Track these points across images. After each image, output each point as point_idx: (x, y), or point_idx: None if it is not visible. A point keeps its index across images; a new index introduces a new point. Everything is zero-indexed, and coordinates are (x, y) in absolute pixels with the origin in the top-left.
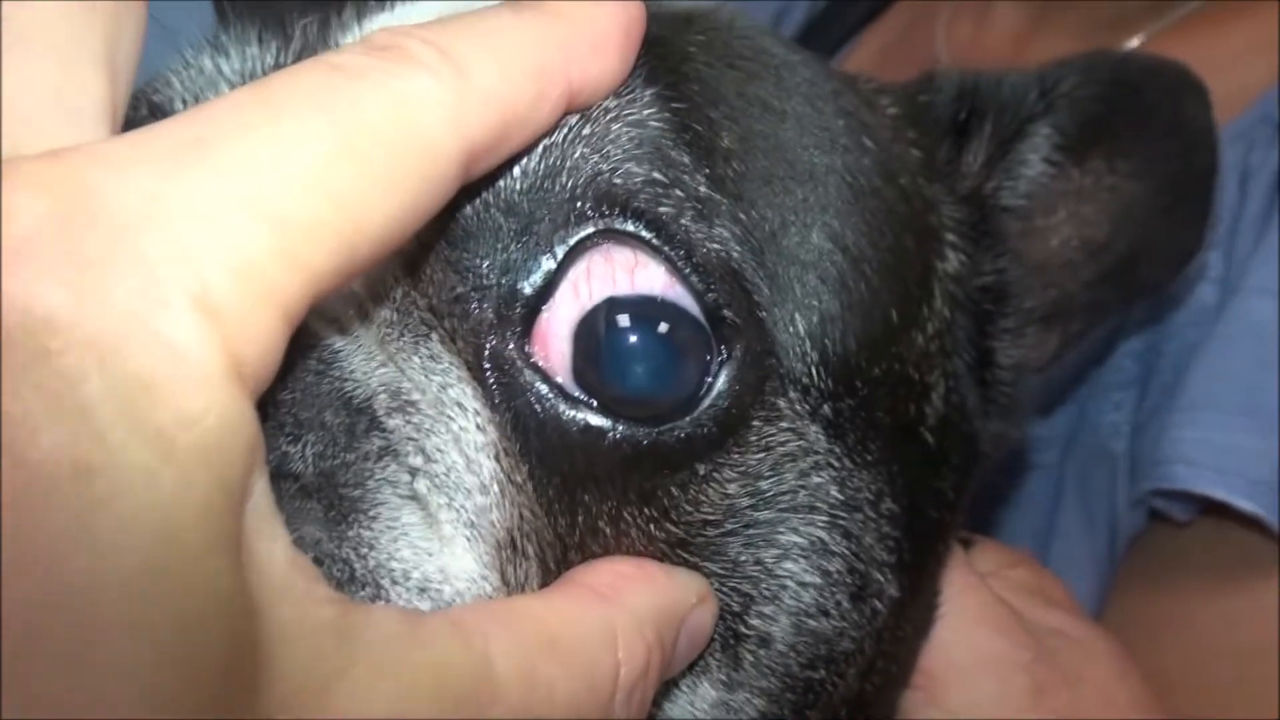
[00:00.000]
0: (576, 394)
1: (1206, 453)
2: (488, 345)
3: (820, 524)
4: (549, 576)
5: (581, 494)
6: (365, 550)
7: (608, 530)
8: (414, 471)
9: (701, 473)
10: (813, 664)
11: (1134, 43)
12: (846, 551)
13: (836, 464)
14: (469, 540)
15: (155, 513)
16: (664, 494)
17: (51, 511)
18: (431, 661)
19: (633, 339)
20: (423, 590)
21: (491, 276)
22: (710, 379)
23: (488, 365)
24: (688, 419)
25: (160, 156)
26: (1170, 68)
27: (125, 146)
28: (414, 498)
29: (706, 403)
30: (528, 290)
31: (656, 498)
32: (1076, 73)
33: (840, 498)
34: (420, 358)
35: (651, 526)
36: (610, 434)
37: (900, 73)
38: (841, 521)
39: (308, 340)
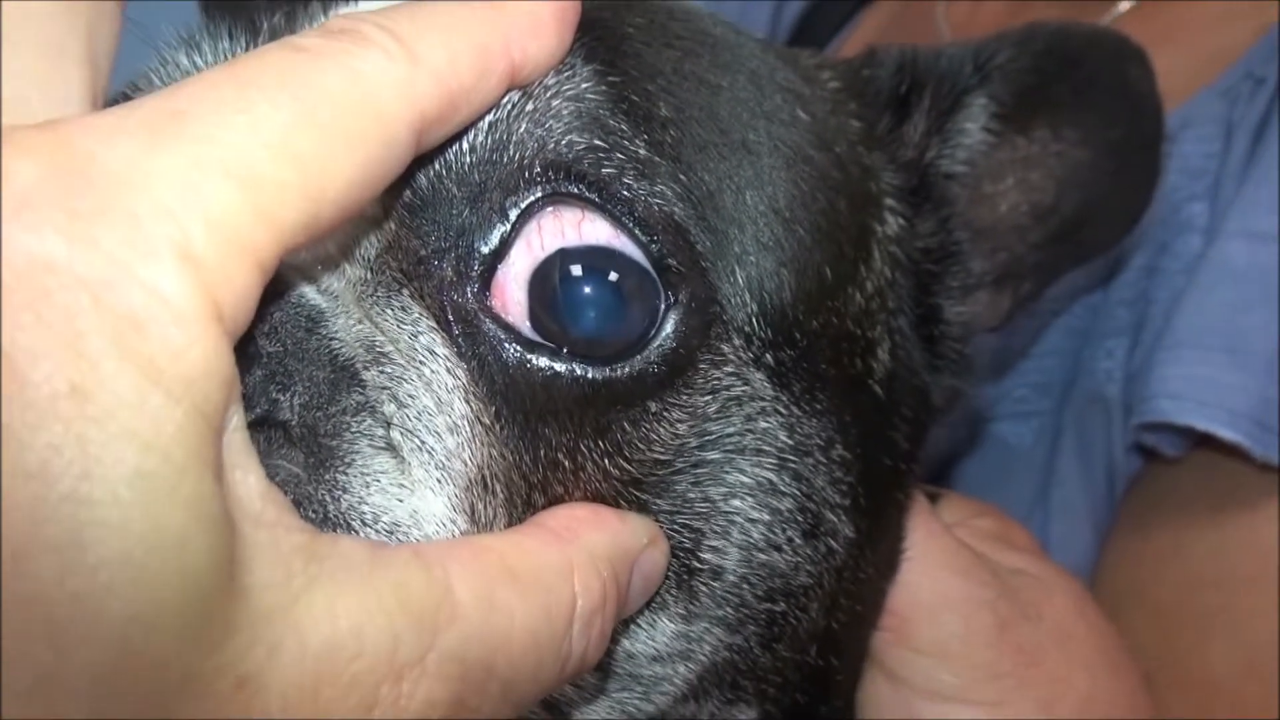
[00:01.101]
0: (534, 338)
1: (1189, 387)
2: (450, 300)
3: (768, 465)
4: (514, 514)
5: (542, 429)
6: (339, 493)
7: (566, 464)
8: (388, 423)
9: (652, 409)
10: (770, 596)
11: (1123, 7)
12: (797, 492)
13: (784, 410)
14: (439, 482)
15: (144, 431)
16: (617, 429)
17: (49, 427)
18: (392, 582)
19: (583, 285)
20: (392, 533)
21: (449, 239)
22: (659, 322)
23: (452, 318)
24: (639, 358)
25: (143, 126)
26: (1110, 37)
27: (111, 118)
28: (388, 448)
29: (656, 342)
30: (484, 249)
31: (610, 432)
32: (1011, 45)
33: (789, 442)
34: (393, 309)
35: (606, 462)
36: (566, 373)
37: None
38: (791, 464)
39: (295, 298)
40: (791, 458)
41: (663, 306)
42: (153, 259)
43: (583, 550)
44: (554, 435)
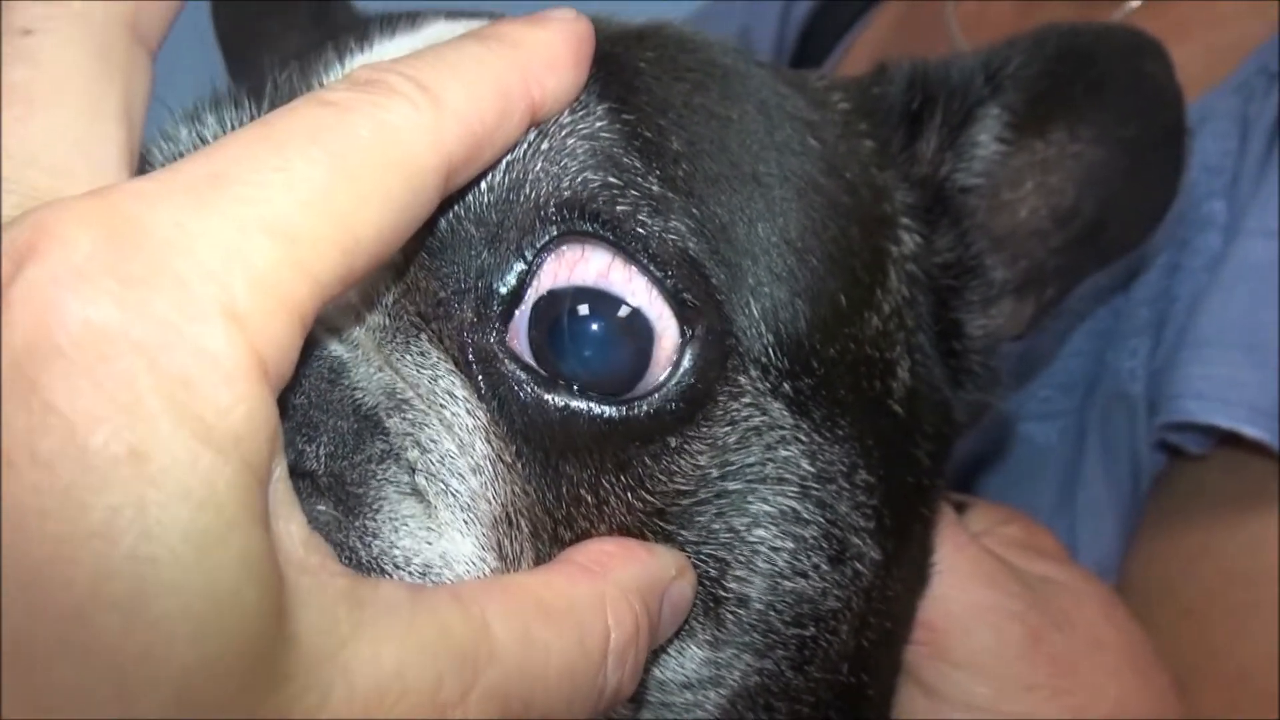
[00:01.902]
0: (550, 378)
1: (1212, 386)
2: (470, 341)
3: (791, 493)
4: (541, 549)
5: (563, 466)
6: (369, 539)
7: (589, 499)
8: (413, 468)
9: (673, 444)
10: (798, 621)
11: (1134, 5)
12: (821, 519)
13: (805, 439)
14: (466, 523)
15: (198, 489)
16: (638, 464)
17: (110, 489)
18: (433, 625)
19: (586, 324)
20: (424, 574)
21: (468, 281)
22: (677, 356)
23: (472, 359)
24: (658, 395)
25: (185, 189)
26: (1122, 32)
27: (154, 184)
28: (414, 493)
29: (674, 379)
30: (502, 290)
31: (631, 468)
32: (1021, 52)
33: (811, 469)
34: (412, 355)
35: (629, 495)
36: (583, 412)
37: (910, 46)
38: (814, 492)
39: (318, 351)
40: (814, 485)
41: (681, 341)
42: (200, 320)
43: (613, 584)
44: (575, 472)
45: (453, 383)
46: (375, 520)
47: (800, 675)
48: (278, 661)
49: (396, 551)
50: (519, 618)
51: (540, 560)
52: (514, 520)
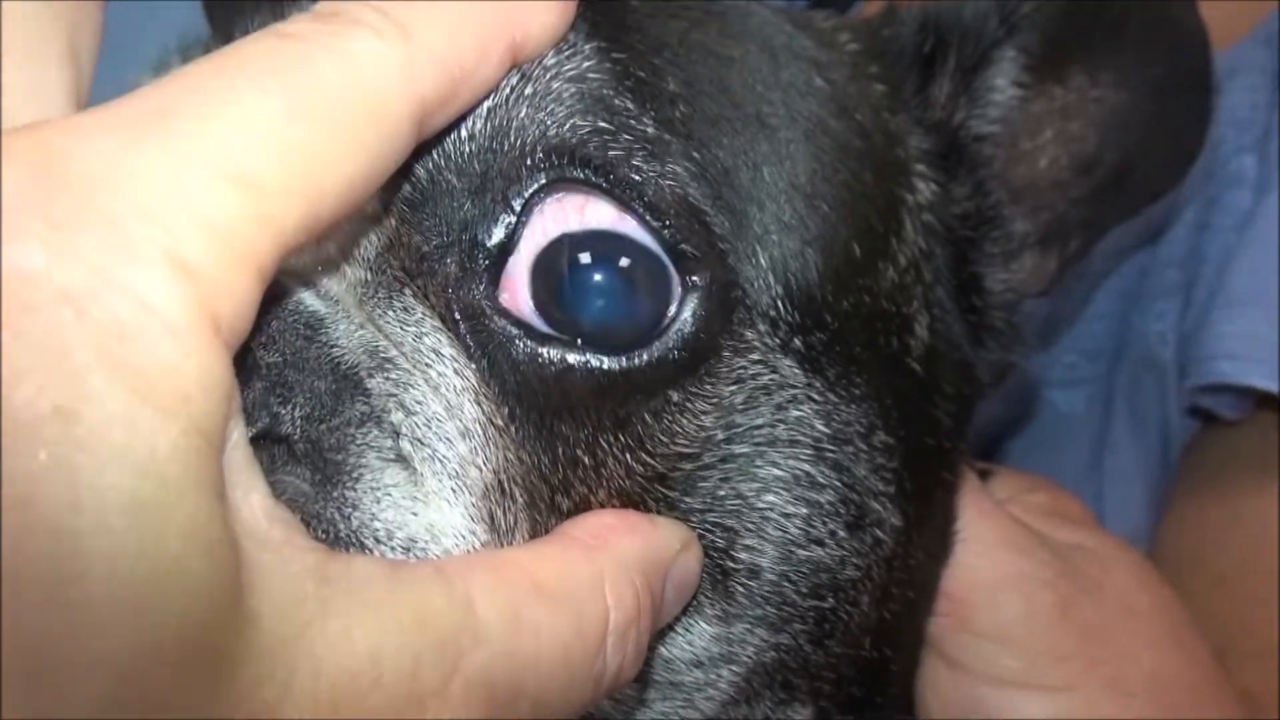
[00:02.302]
0: (545, 331)
1: (1248, 346)
2: (456, 297)
3: (804, 457)
4: (537, 520)
5: (559, 426)
6: (349, 510)
7: (587, 461)
8: (397, 433)
9: (674, 399)
10: (815, 592)
11: None
12: (838, 483)
13: (819, 398)
14: (454, 492)
15: (136, 452)
16: (638, 421)
17: (34, 453)
18: (411, 602)
19: (591, 273)
20: (408, 549)
21: (451, 234)
22: (677, 307)
23: (459, 316)
24: (658, 346)
25: (123, 124)
26: None
27: (91, 117)
28: (397, 459)
29: (674, 329)
30: (489, 242)
31: (631, 425)
32: None
33: (826, 431)
34: (395, 311)
35: (628, 457)
36: (580, 365)
37: None
38: (829, 454)
39: (293, 306)
40: (830, 447)
41: (680, 292)
42: (139, 265)
43: (613, 559)
44: (571, 432)
45: (439, 340)
46: (355, 490)
47: (819, 650)
48: (233, 646)
49: (378, 524)
50: (508, 597)
51: (536, 533)
52: (507, 489)
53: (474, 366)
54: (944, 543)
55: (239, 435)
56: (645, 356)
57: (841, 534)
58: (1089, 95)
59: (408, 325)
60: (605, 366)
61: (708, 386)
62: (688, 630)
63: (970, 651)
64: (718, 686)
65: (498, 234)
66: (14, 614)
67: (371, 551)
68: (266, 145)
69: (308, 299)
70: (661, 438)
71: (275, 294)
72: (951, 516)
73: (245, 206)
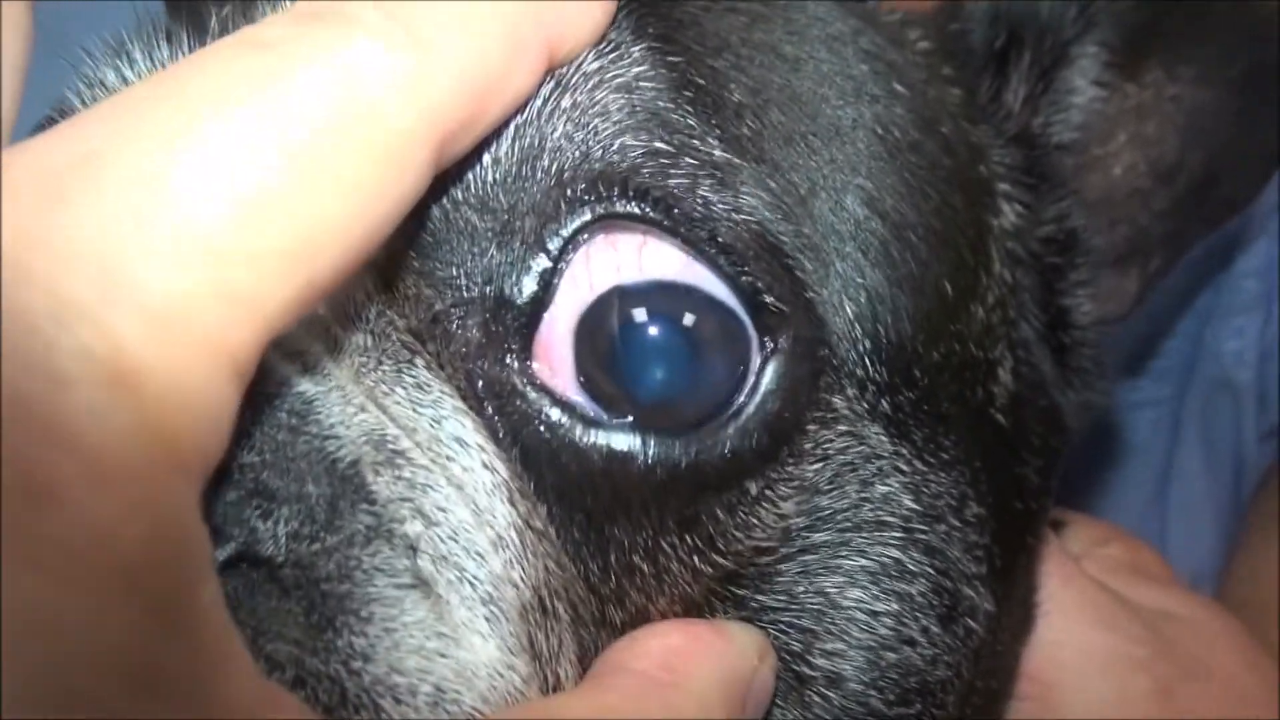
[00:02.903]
0: (593, 413)
1: None
2: (479, 369)
3: (893, 541)
4: (585, 639)
5: (612, 529)
6: (358, 663)
7: (646, 569)
8: (413, 549)
9: (753, 492)
10: (904, 699)
11: None
12: (930, 570)
13: (906, 468)
14: (489, 621)
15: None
16: (709, 519)
17: None
18: None
19: (646, 333)
20: (435, 704)
21: (472, 288)
22: (755, 377)
23: (483, 393)
24: (733, 429)
25: (39, 179)
26: None
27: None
28: (415, 584)
29: (753, 406)
30: (520, 299)
31: (701, 524)
32: None
33: (916, 508)
34: (405, 389)
35: (696, 559)
36: (640, 456)
37: None
38: (920, 536)
39: (272, 384)
40: (920, 527)
41: (759, 357)
42: (53, 385)
43: (691, 694)
44: (627, 536)
45: (462, 424)
46: (365, 634)
47: None
48: None
49: (398, 679)
50: None
51: (585, 655)
52: (549, 606)
53: (504, 456)
54: (1027, 617)
55: (213, 597)
56: (719, 445)
57: (935, 630)
58: (1166, 94)
59: (422, 406)
60: (670, 456)
61: (790, 469)
62: None
63: None
64: None
65: (529, 286)
66: None
67: (390, 713)
68: (234, 196)
69: (293, 378)
70: (736, 534)
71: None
72: (1034, 586)
73: (206, 284)
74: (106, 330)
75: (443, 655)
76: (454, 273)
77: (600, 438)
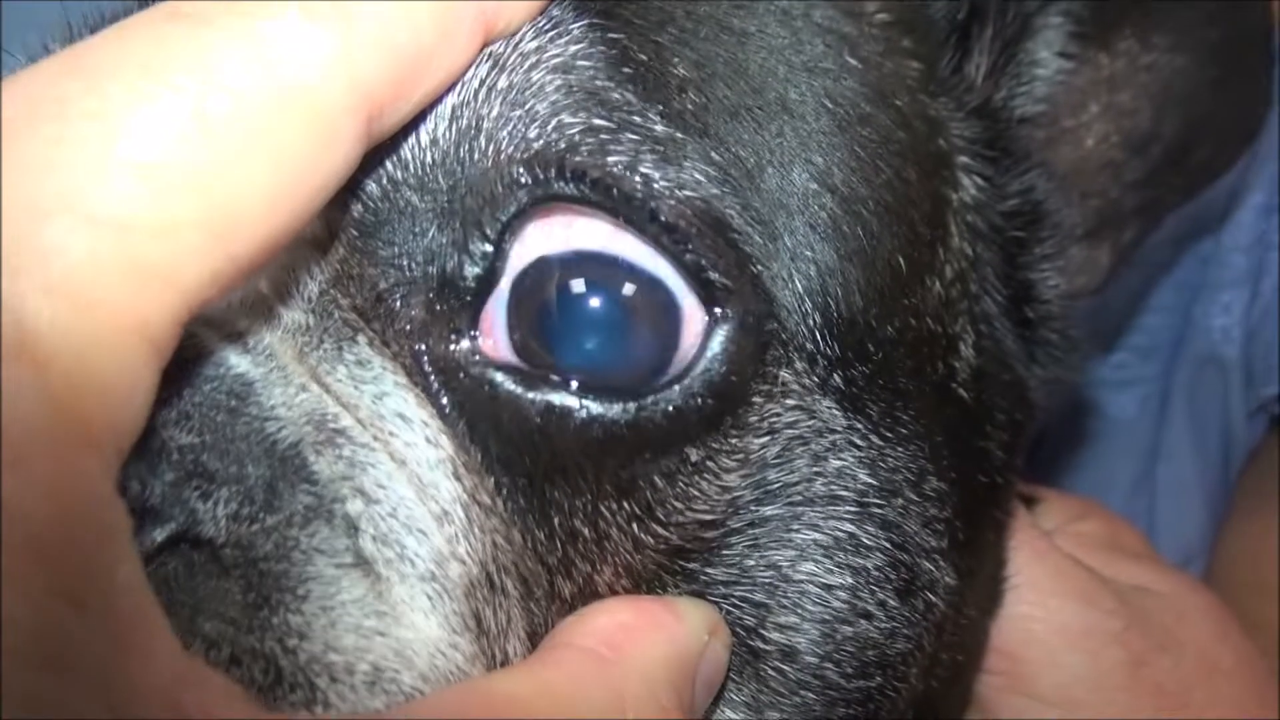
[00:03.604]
0: (530, 369)
1: None
2: (425, 348)
3: (847, 515)
4: (535, 614)
5: (552, 492)
6: (294, 641)
7: (587, 534)
8: (354, 528)
9: (693, 459)
10: (863, 672)
11: None
12: (886, 544)
13: (861, 443)
14: (431, 599)
15: None
16: (647, 486)
17: None
18: None
19: (582, 303)
20: (373, 683)
21: (414, 268)
22: (700, 342)
23: (429, 368)
24: (677, 390)
25: None
26: None
27: None
28: (356, 563)
29: (698, 370)
30: (463, 280)
31: (639, 490)
32: None
33: (872, 482)
34: (346, 366)
35: (635, 527)
36: (577, 412)
37: None
38: (876, 510)
39: (213, 369)
40: (876, 501)
41: (703, 327)
42: None
43: (634, 671)
44: (566, 499)
45: (404, 400)
46: (301, 612)
47: None
48: None
49: (334, 657)
50: None
51: (535, 630)
52: (497, 581)
53: (449, 431)
54: (995, 592)
55: (129, 575)
56: (660, 404)
57: (892, 603)
58: (1140, 62)
59: (363, 383)
60: (606, 415)
61: (734, 440)
62: None
63: (1027, 715)
64: None
65: (472, 269)
66: None
67: (325, 692)
68: (145, 166)
69: (231, 357)
70: (675, 503)
71: (187, 352)
72: (1002, 560)
73: (115, 256)
74: (7, 303)
75: (381, 634)
76: (395, 252)
77: (539, 394)
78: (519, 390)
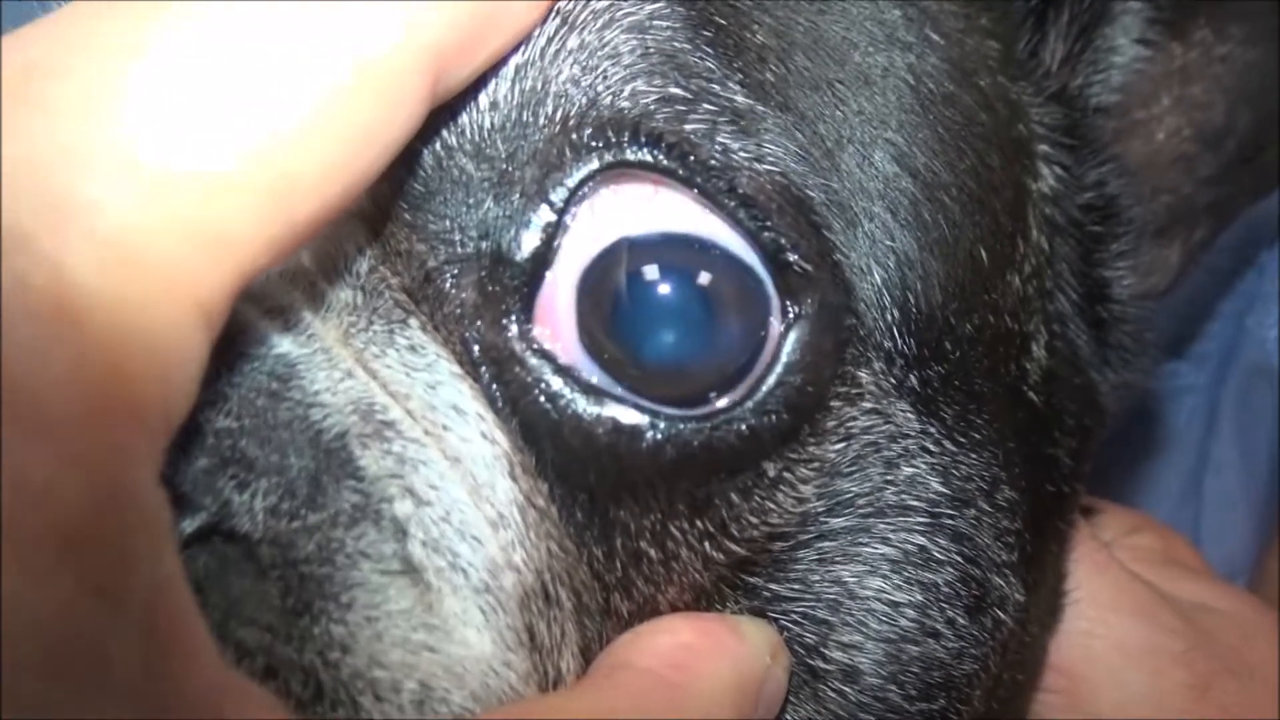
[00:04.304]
0: (597, 380)
1: None
2: (475, 333)
3: (918, 527)
4: (589, 630)
5: (617, 512)
6: (337, 654)
7: (654, 554)
8: (402, 531)
9: (771, 474)
10: (927, 694)
11: None
12: (958, 558)
13: (934, 448)
14: (484, 612)
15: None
16: (722, 503)
17: None
18: None
19: (656, 290)
20: (421, 703)
21: (467, 243)
22: (775, 345)
23: (480, 359)
24: (751, 404)
25: None
26: None
27: None
28: (404, 570)
29: (773, 379)
30: (519, 255)
31: (713, 508)
32: None
33: (945, 491)
34: (397, 351)
35: (707, 545)
36: (649, 433)
37: None
38: (948, 521)
39: (254, 348)
40: (948, 511)
41: (778, 323)
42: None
43: (697, 695)
44: (634, 519)
45: (459, 391)
46: (345, 623)
47: None
48: None
49: (379, 674)
50: None
51: (588, 646)
52: (552, 592)
53: (504, 427)
54: (1055, 606)
55: (170, 572)
56: (735, 422)
57: (961, 621)
58: (1214, 53)
59: (416, 370)
60: (680, 434)
61: (811, 449)
62: None
63: None
64: None
65: (530, 242)
66: None
67: (369, 710)
68: (205, 119)
69: (273, 335)
70: (750, 519)
71: (226, 330)
72: (1063, 574)
73: (169, 216)
74: (46, 256)
75: (430, 649)
76: (447, 226)
77: (606, 410)
78: (585, 405)
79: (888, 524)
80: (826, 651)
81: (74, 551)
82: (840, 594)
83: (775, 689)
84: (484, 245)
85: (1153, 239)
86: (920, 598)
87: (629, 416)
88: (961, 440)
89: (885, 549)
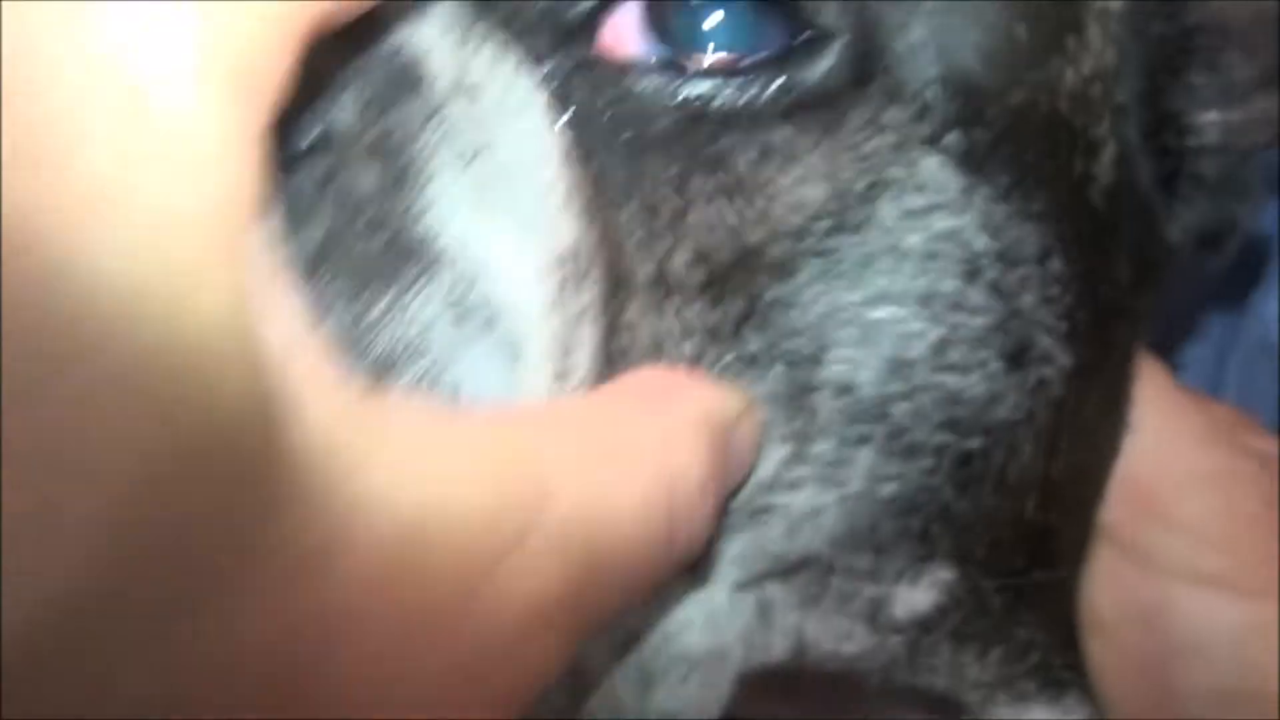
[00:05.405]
0: (648, 59)
1: None
2: (546, 64)
3: (951, 272)
4: (608, 296)
5: (646, 162)
6: (418, 211)
7: (676, 200)
8: (472, 154)
9: (776, 142)
10: (953, 426)
11: None
12: (997, 305)
13: (983, 205)
14: (526, 231)
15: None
16: (735, 160)
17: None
18: (473, 451)
19: None
20: (465, 264)
21: None
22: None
23: (547, 49)
24: (783, 78)
25: None
26: None
27: None
28: (474, 157)
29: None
30: None
31: (727, 163)
32: None
33: (993, 245)
34: (494, 45)
35: (717, 206)
36: (682, 90)
37: None
38: (988, 274)
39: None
40: (992, 265)
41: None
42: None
43: (677, 417)
44: (660, 169)
45: (530, 88)
46: (425, 193)
47: (965, 498)
48: (265, 478)
49: (444, 238)
50: (577, 453)
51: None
52: (581, 259)
53: (560, 109)
54: (1120, 414)
55: (267, 234)
56: (757, 88)
57: (994, 365)
58: None
59: (501, 63)
60: (703, 91)
61: (822, 144)
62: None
63: (1159, 545)
64: (823, 517)
65: None
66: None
67: (434, 254)
68: None
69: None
70: (759, 181)
71: None
72: (1129, 390)
73: None
74: None
75: (481, 232)
76: None
77: (647, 80)
78: (633, 77)
79: (912, 265)
80: (820, 365)
81: (213, 178)
82: (842, 315)
83: (745, 440)
84: None
85: (1263, 91)
86: (941, 332)
87: (666, 80)
88: (1014, 206)
89: (901, 285)
